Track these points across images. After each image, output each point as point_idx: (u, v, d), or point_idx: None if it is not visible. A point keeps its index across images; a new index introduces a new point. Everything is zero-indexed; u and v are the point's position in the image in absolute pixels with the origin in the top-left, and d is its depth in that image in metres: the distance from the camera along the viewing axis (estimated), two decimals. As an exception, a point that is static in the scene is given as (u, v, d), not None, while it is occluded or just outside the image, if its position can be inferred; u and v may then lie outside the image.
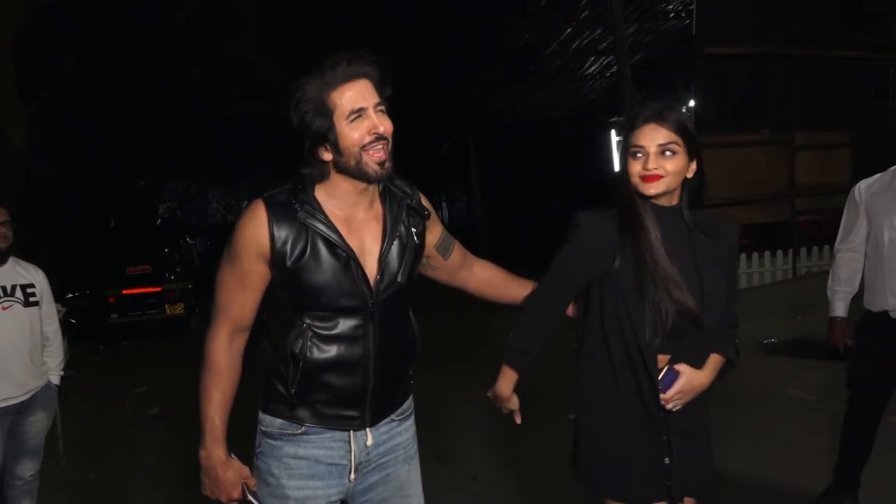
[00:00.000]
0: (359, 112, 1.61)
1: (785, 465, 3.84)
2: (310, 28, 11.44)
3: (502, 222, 18.72)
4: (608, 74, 13.23)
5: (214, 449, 1.69)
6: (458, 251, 1.99)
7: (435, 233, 1.90)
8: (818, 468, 3.58)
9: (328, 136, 1.62)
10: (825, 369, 5.18)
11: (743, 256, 9.33)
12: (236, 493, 1.71)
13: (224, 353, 1.71)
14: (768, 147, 9.13)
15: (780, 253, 9.45)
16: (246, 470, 1.74)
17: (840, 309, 3.13)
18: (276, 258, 1.64)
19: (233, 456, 1.72)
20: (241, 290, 1.69)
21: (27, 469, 3.21)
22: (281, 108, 1.67)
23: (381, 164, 1.64)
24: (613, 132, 18.53)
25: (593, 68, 13.14)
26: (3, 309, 3.06)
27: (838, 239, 3.21)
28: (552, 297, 1.91)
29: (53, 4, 7.25)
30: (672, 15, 10.47)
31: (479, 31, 11.43)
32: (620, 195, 1.83)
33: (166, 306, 10.49)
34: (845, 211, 3.18)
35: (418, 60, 11.24)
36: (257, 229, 1.64)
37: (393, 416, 1.82)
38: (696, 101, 9.36)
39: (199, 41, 10.97)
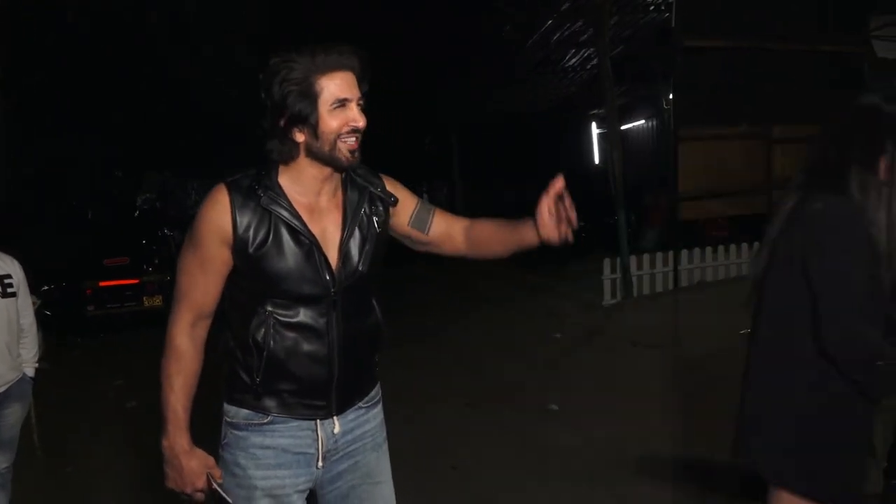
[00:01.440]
0: (342, 102, 1.63)
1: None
2: (295, 18, 11.34)
3: (484, 214, 18.73)
4: (588, 67, 13.27)
5: (178, 438, 1.68)
6: (439, 222, 1.90)
7: (406, 211, 1.86)
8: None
9: (308, 119, 1.62)
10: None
11: (720, 248, 9.44)
12: (201, 483, 1.69)
13: (186, 340, 1.69)
14: (746, 140, 9.22)
15: (756, 245, 9.55)
16: (211, 460, 1.72)
17: None
18: (238, 244, 1.64)
19: (195, 446, 1.70)
20: (204, 276, 1.68)
21: (2, 461, 3.18)
22: (259, 83, 1.66)
23: (353, 152, 1.67)
24: (594, 124, 18.68)
25: (574, 60, 13.17)
26: (-22, 300, 3.02)
27: None
28: (865, 307, 1.69)
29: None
30: (652, 8, 10.51)
31: (460, 23, 11.39)
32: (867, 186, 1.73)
33: (144, 298, 10.37)
34: None
35: (400, 53, 11.18)
36: (220, 214, 1.64)
37: (360, 404, 1.82)
38: (674, 94, 9.42)
39: (178, 31, 10.84)
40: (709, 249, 9.34)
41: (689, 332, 7.02)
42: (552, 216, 1.75)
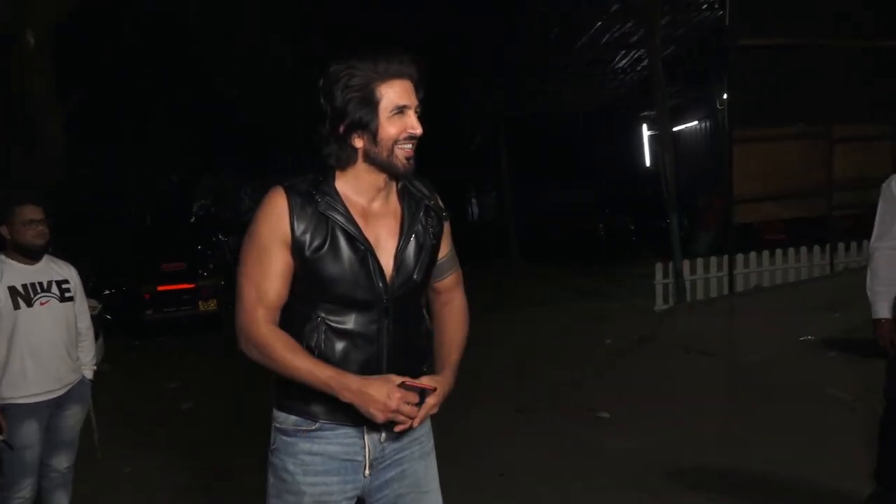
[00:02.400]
0: (401, 109, 1.65)
1: (820, 463, 3.76)
2: (334, 25, 11.50)
3: (532, 217, 18.64)
4: (639, 68, 13.06)
5: (347, 381, 1.61)
6: (451, 280, 1.91)
7: (445, 247, 1.88)
8: (854, 468, 3.51)
9: (368, 125, 1.64)
10: (862, 368, 5.06)
11: (778, 252, 9.15)
12: (398, 394, 1.60)
13: (271, 327, 1.68)
14: (805, 140, 8.91)
15: (816, 248, 9.25)
16: (390, 377, 1.64)
17: (885, 310, 3.01)
18: (295, 246, 1.66)
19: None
20: (271, 275, 1.68)
21: (63, 462, 3.28)
22: (319, 87, 1.67)
23: (409, 159, 1.69)
24: (645, 126, 18.39)
25: (624, 62, 12.98)
26: (41, 304, 3.12)
27: (874, 236, 3.10)
28: None
29: (88, 6, 7.40)
30: (704, 6, 10.28)
31: (509, 24, 11.36)
32: None
33: (200, 302, 10.62)
34: (880, 206, 3.07)
35: (447, 54, 11.21)
36: (279, 218, 1.66)
37: None
38: (729, 94, 9.18)
39: (232, 40, 11.09)
40: (765, 253, 9.07)
41: (745, 339, 6.83)
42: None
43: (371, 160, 1.68)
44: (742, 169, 8.44)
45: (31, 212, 3.10)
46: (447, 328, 1.90)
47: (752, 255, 8.98)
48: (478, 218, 28.07)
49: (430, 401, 1.67)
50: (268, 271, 1.68)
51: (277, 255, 1.67)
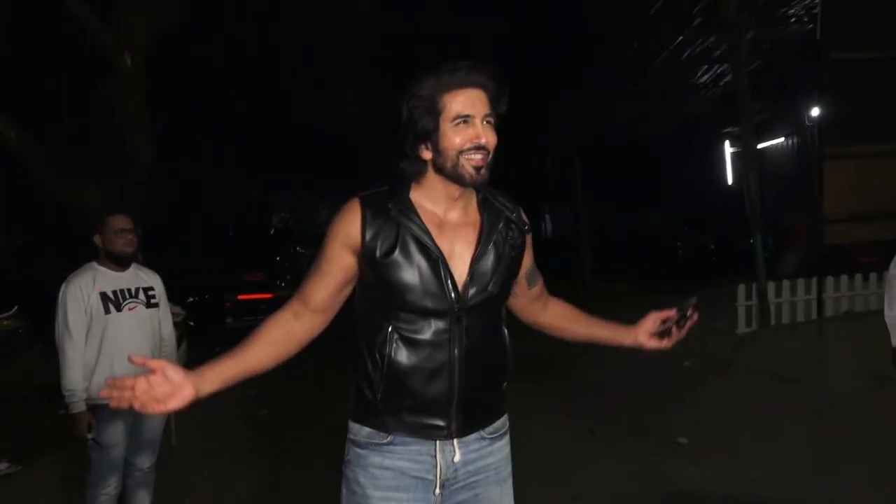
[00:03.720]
0: (464, 118, 1.64)
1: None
2: (419, 40, 11.67)
3: (606, 236, 18.31)
4: (722, 83, 12.69)
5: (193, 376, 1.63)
6: (541, 285, 1.96)
7: (528, 259, 1.87)
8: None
9: (431, 135, 1.65)
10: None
11: (872, 276, 8.66)
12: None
13: (276, 319, 1.73)
14: (903, 158, 8.46)
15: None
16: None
17: None
18: (366, 252, 1.67)
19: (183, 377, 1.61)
20: (318, 275, 1.72)
21: (145, 461, 3.41)
22: (393, 107, 1.70)
23: (478, 169, 1.65)
24: (727, 143, 17.81)
25: (706, 77, 12.65)
26: (129, 310, 3.27)
27: (893, 262, 2.93)
28: None
29: (176, 30, 7.77)
30: (793, 20, 9.91)
31: (586, 41, 11.27)
32: None
33: (277, 312, 10.94)
34: None
35: (523, 72, 11.21)
36: (349, 223, 1.68)
37: (484, 434, 1.78)
38: (820, 109, 8.79)
39: (309, 52, 11.41)
40: (858, 276, 8.59)
41: (834, 368, 6.48)
42: (660, 330, 1.88)
43: (439, 170, 1.68)
44: (833, 187, 8.07)
45: (122, 221, 3.26)
46: (569, 310, 2.00)
47: (844, 277, 8.52)
48: (551, 235, 27.82)
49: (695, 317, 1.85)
50: (319, 271, 1.72)
51: (335, 258, 1.70)
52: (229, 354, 1.69)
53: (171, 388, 1.59)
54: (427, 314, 1.68)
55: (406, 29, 11.66)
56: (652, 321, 1.91)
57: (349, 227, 1.68)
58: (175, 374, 1.59)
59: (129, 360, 1.64)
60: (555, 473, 4.29)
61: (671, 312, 1.89)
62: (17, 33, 8.75)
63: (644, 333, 1.89)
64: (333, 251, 1.70)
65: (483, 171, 1.66)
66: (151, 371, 1.57)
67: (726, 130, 16.82)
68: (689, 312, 1.86)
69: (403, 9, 11.27)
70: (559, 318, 2.00)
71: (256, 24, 10.45)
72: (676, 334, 1.87)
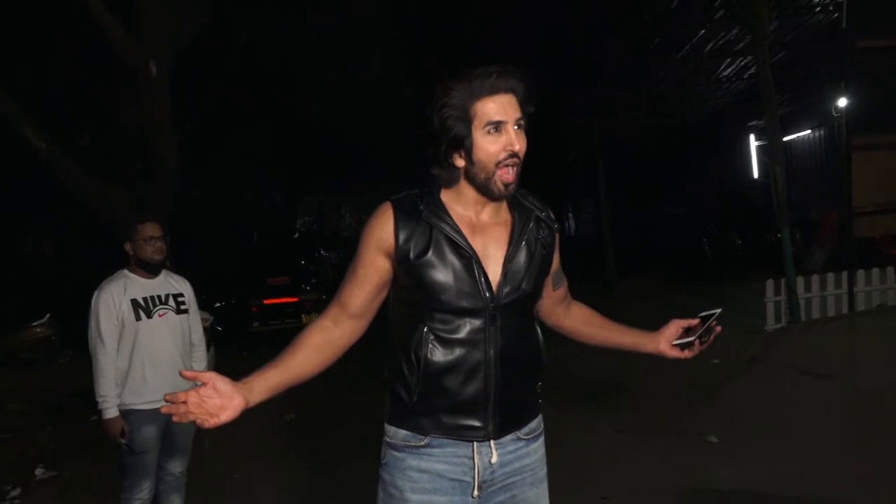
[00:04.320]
0: (496, 125, 1.64)
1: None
2: (437, 42, 11.69)
3: (630, 233, 18.15)
4: (745, 76, 12.53)
5: (240, 387, 1.63)
6: (565, 287, 1.96)
7: (555, 259, 1.87)
8: None
9: (464, 143, 1.65)
10: None
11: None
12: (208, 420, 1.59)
13: (315, 327, 1.74)
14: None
15: (949, 264, 8.51)
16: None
17: None
18: (399, 254, 1.68)
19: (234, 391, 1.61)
20: (354, 280, 1.73)
21: (177, 466, 3.45)
22: (423, 112, 1.70)
23: (507, 185, 1.67)
24: (752, 136, 17.57)
25: (729, 70, 12.49)
26: (160, 316, 3.32)
27: None
28: None
29: (201, 33, 7.85)
30: (818, 9, 9.74)
31: (607, 34, 11.19)
32: None
33: (303, 316, 10.99)
34: None
35: (545, 67, 11.16)
36: (382, 226, 1.69)
37: (520, 435, 1.78)
38: (848, 99, 8.63)
39: (330, 59, 11.48)
40: (890, 269, 8.42)
41: (866, 363, 6.35)
42: (682, 342, 1.87)
43: (471, 180, 1.69)
44: (862, 179, 7.92)
45: (151, 229, 3.31)
46: (592, 315, 2.00)
47: (875, 271, 8.36)
48: (575, 233, 27.67)
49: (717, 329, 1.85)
50: (356, 276, 1.73)
51: (370, 262, 1.71)
52: (273, 364, 1.70)
53: (222, 401, 1.60)
54: (462, 314, 1.68)
55: (430, 27, 11.67)
56: (674, 329, 1.89)
57: (382, 230, 1.69)
58: (224, 385, 1.60)
59: (180, 373, 1.67)
60: (583, 474, 4.27)
61: (694, 321, 1.87)
62: (44, 42, 8.91)
63: (666, 341, 1.88)
64: (368, 255, 1.71)
65: (511, 186, 1.67)
66: (202, 384, 1.58)
67: (751, 124, 16.58)
68: (712, 324, 1.85)
69: (423, 8, 11.28)
70: (582, 322, 1.99)
71: (278, 28, 10.53)
72: (698, 347, 1.85)
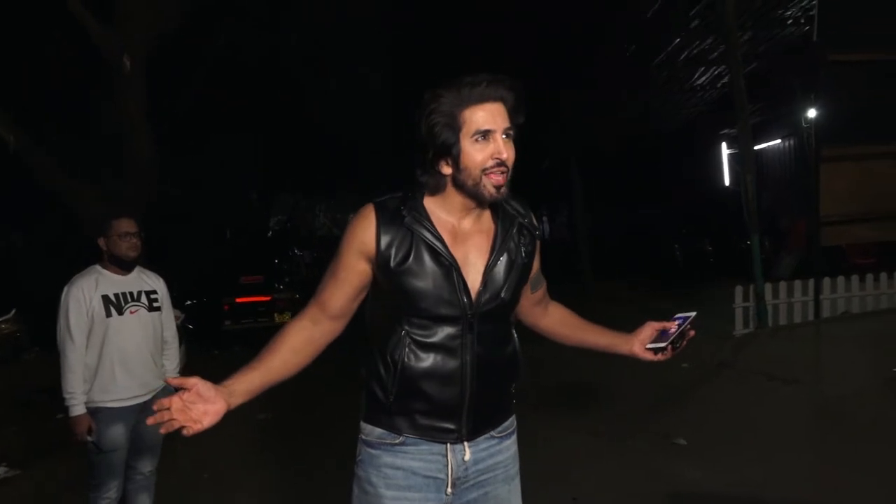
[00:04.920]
0: (485, 133, 1.64)
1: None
2: (423, 44, 11.69)
3: (604, 238, 18.31)
4: (719, 85, 12.73)
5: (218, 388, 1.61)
6: (543, 289, 1.98)
7: (535, 263, 1.89)
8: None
9: (452, 150, 1.65)
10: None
11: (869, 277, 8.69)
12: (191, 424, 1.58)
13: (294, 326, 1.74)
14: (901, 159, 8.47)
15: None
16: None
17: None
18: (380, 259, 1.68)
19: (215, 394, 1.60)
20: (334, 281, 1.73)
21: (147, 465, 3.41)
22: (412, 117, 1.70)
23: (498, 188, 1.67)
24: (724, 144, 17.84)
25: (703, 79, 12.68)
26: (131, 313, 3.28)
27: None
28: None
29: (178, 33, 7.78)
30: (790, 21, 9.94)
31: (582, 41, 11.30)
32: None
33: (275, 314, 10.93)
34: None
35: (518, 73, 11.22)
36: (364, 230, 1.69)
37: (493, 434, 1.81)
38: (817, 111, 8.82)
39: (312, 59, 11.42)
40: (854, 278, 8.62)
41: (832, 369, 6.50)
42: (655, 346, 1.88)
43: (458, 186, 1.69)
44: (830, 189, 8.08)
45: (127, 225, 3.27)
46: (568, 316, 2.02)
47: (841, 279, 8.55)
48: (549, 237, 27.85)
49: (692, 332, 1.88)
50: (336, 278, 1.73)
51: (351, 266, 1.71)
52: (253, 365, 1.69)
53: (205, 406, 1.59)
54: (440, 320, 1.69)
55: (408, 31, 11.67)
56: (649, 331, 1.91)
57: (364, 234, 1.69)
58: (207, 390, 1.59)
59: (166, 381, 1.66)
60: (554, 475, 4.30)
61: (669, 324, 1.90)
62: (18, 35, 8.76)
63: (640, 344, 1.90)
64: (349, 259, 1.71)
65: (503, 189, 1.67)
66: (186, 389, 1.58)
67: (724, 132, 16.86)
68: (687, 328, 1.88)
69: (406, 10, 11.28)
70: (559, 323, 2.02)
71: (257, 26, 10.45)
72: (671, 352, 1.87)
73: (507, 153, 1.66)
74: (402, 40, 11.68)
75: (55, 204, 7.83)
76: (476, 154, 1.64)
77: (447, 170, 1.68)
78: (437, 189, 1.71)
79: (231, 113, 12.81)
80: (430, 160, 1.68)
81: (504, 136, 1.66)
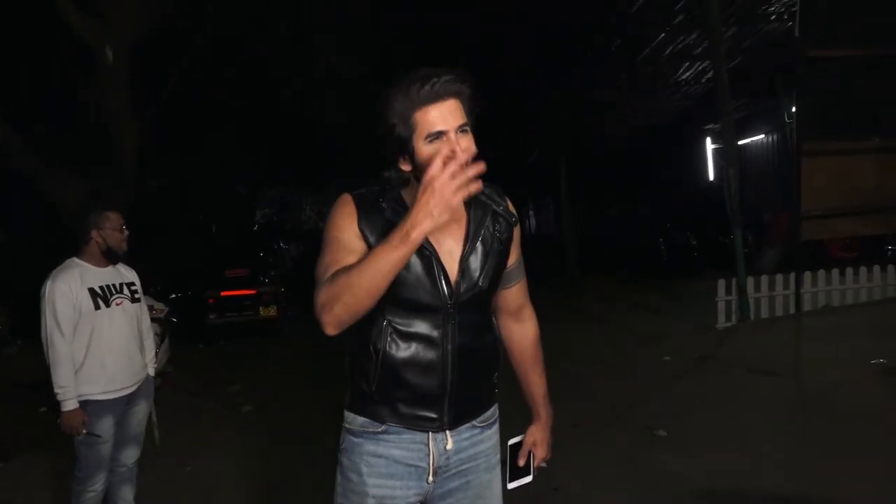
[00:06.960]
0: (437, 135, 1.60)
1: (893, 492, 3.59)
2: (403, 36, 11.65)
3: (590, 231, 18.38)
4: (703, 80, 12.81)
5: (407, 221, 1.48)
6: (519, 291, 1.95)
7: (514, 254, 1.88)
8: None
9: (406, 150, 1.64)
10: (941, 394, 4.80)
11: (849, 271, 8.80)
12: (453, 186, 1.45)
13: (334, 276, 1.60)
14: (881, 154, 8.54)
15: (890, 268, 8.85)
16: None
17: None
18: (365, 246, 1.67)
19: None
20: (344, 253, 1.64)
21: (130, 456, 3.41)
22: (371, 117, 1.70)
23: None
24: (709, 139, 17.98)
25: (687, 74, 12.76)
26: (117, 305, 3.28)
27: None
28: None
29: (163, 25, 7.71)
30: (773, 17, 10.01)
31: (568, 37, 11.31)
32: None
33: (260, 308, 10.88)
34: None
35: (507, 68, 11.24)
36: (348, 217, 1.69)
37: (475, 423, 1.83)
38: (798, 106, 8.89)
39: (296, 53, 11.35)
40: (835, 272, 8.72)
41: (812, 361, 6.57)
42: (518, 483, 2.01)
43: (418, 181, 1.67)
44: (811, 183, 8.14)
45: (119, 218, 3.29)
46: (525, 354, 2.01)
47: (821, 272, 8.65)
48: (535, 231, 27.92)
49: (540, 455, 2.02)
50: (341, 250, 1.65)
51: (351, 241, 1.66)
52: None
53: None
54: (421, 310, 1.71)
55: (393, 26, 11.63)
56: (529, 442, 2.07)
57: (350, 221, 1.68)
58: None
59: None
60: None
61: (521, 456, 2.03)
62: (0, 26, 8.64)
63: (530, 438, 2.06)
64: (352, 241, 1.66)
65: None
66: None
67: (708, 127, 17.00)
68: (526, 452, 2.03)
69: (391, 5, 11.24)
70: (517, 351, 2.01)
71: (244, 18, 10.38)
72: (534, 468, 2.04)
73: (463, 145, 1.59)
74: (396, 39, 11.63)
75: (35, 197, 7.76)
76: (430, 154, 1.58)
77: (406, 167, 1.67)
78: (402, 184, 1.72)
79: (218, 106, 12.71)
80: (389, 158, 1.68)
81: (460, 132, 1.61)
